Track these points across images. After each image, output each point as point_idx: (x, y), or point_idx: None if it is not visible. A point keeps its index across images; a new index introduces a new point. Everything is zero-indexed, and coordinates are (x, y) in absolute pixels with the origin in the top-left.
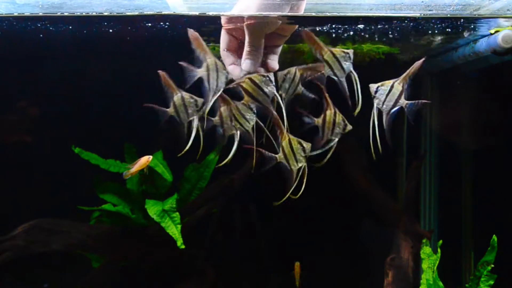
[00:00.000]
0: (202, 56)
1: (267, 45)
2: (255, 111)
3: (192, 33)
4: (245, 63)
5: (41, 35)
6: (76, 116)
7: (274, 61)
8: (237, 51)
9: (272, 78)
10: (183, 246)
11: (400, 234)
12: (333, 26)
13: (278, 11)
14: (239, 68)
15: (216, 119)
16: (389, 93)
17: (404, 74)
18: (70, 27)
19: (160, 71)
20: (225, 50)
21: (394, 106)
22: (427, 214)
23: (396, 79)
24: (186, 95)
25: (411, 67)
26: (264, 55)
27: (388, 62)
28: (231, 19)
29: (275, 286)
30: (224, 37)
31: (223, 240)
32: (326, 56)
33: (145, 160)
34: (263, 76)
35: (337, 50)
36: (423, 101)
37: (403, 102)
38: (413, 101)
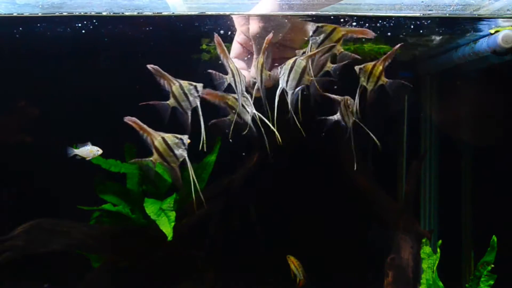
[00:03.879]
0: (225, 62)
1: (277, 57)
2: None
3: (217, 38)
4: (253, 69)
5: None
6: (77, 115)
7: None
8: (244, 60)
9: (185, 141)
10: (170, 239)
11: (400, 234)
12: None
13: (286, 20)
14: (246, 73)
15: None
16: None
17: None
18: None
19: (150, 66)
20: (233, 57)
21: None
22: (427, 214)
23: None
24: (185, 82)
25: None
26: (272, 68)
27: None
28: (244, 23)
29: (275, 286)
30: (235, 46)
31: (223, 240)
32: (173, 89)
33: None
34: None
35: (185, 83)
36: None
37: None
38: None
